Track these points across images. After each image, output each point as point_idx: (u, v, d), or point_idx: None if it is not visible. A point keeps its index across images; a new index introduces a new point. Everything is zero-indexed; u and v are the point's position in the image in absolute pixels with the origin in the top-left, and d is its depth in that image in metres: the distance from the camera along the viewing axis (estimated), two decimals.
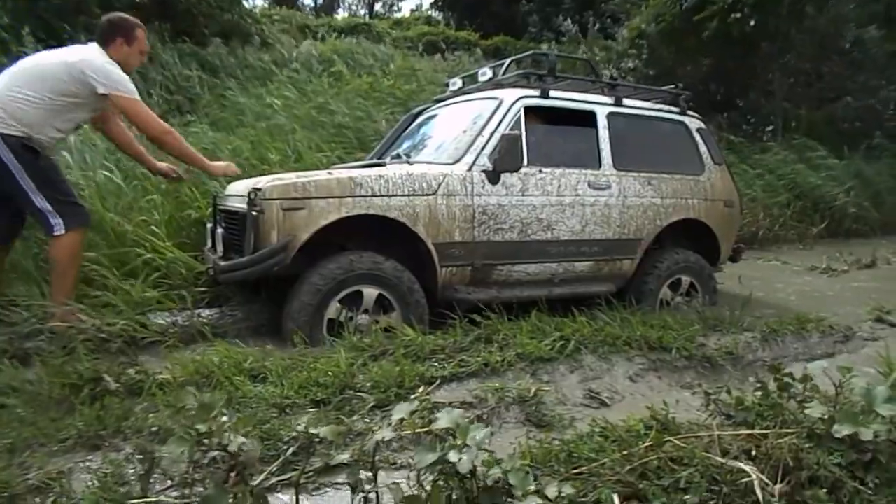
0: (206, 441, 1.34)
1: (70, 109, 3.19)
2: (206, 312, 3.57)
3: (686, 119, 4.70)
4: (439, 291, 3.70)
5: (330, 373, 2.45)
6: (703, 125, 4.81)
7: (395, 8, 30.32)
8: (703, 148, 4.71)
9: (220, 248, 3.61)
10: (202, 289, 3.83)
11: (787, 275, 6.10)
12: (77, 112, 3.25)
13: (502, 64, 4.47)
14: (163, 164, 3.85)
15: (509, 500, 1.41)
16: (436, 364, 2.69)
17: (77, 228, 3.18)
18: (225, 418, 1.45)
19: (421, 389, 2.46)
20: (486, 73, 4.46)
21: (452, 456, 1.43)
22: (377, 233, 3.61)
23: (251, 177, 4.02)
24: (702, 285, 4.58)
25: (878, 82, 11.30)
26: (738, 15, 9.36)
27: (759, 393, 2.34)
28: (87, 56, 3.19)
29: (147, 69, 7.40)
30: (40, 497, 1.65)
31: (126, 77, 3.26)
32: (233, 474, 1.47)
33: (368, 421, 2.21)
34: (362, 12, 27.66)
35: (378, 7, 29.67)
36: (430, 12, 22.60)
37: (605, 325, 3.29)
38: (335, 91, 9.17)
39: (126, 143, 3.73)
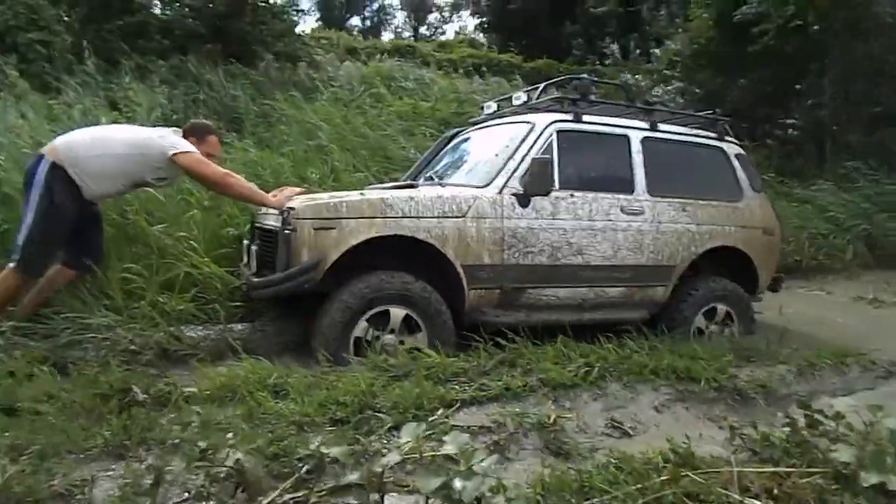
0: (209, 457, 1.38)
1: (141, 168, 3.53)
2: (238, 327, 3.66)
3: (724, 145, 4.63)
4: (466, 313, 3.71)
5: (350, 392, 2.48)
6: (741, 151, 4.72)
7: (440, 31, 30.77)
8: (741, 174, 4.62)
9: (253, 264, 3.71)
10: (237, 304, 3.93)
11: (831, 306, 5.89)
12: (147, 173, 3.58)
13: (537, 87, 4.50)
14: (276, 195, 3.69)
15: None
16: (457, 387, 2.70)
17: (22, 274, 3.31)
18: (230, 435, 1.49)
19: (440, 412, 2.48)
20: (520, 97, 4.49)
21: (457, 483, 1.43)
22: (407, 253, 3.65)
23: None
24: (738, 315, 4.46)
25: None
26: (801, 22, 9.12)
27: (788, 429, 2.27)
28: (164, 133, 3.68)
29: (195, 89, 7.70)
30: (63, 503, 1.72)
31: (186, 143, 3.58)
32: (240, 490, 1.50)
33: (385, 441, 2.23)
34: (407, 34, 28.16)
35: (423, 30, 30.17)
36: (473, 35, 22.87)
37: (632, 353, 3.24)
38: (377, 112, 9.37)
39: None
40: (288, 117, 7.60)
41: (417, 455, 1.60)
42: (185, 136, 3.62)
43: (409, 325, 3.51)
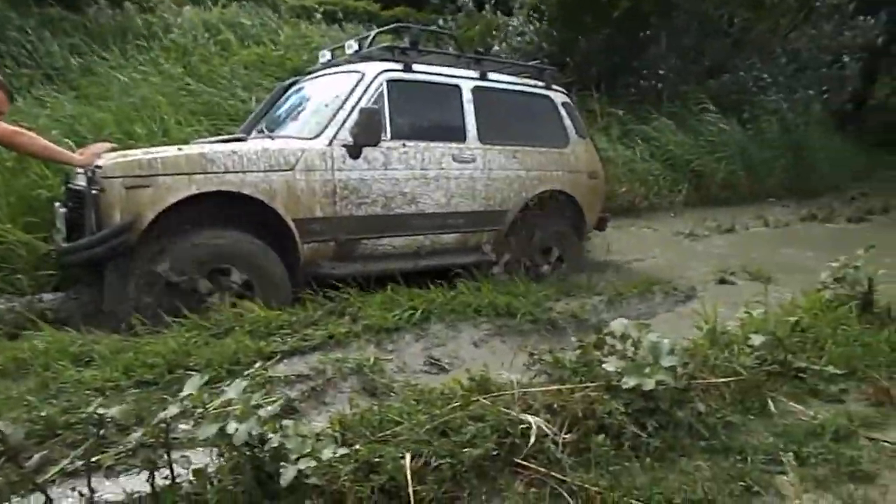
0: None
1: None
2: (48, 297, 3.41)
3: (551, 93, 4.86)
4: (302, 267, 3.70)
5: (160, 353, 2.42)
6: (567, 99, 4.99)
7: None
8: (567, 121, 4.89)
9: (63, 228, 3.44)
10: (50, 272, 3.65)
11: (654, 241, 6.48)
12: None
13: (368, 36, 4.45)
14: (83, 153, 3.42)
15: (285, 464, 1.47)
16: (278, 339, 2.71)
17: None
18: None
19: (258, 364, 2.48)
20: (352, 46, 4.42)
21: (229, 427, 1.47)
22: (236, 209, 3.54)
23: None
24: (568, 254, 4.81)
25: (753, 61, 12.05)
26: None
27: (579, 350, 2.52)
28: None
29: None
30: None
31: None
32: (4, 460, 1.45)
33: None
34: None
35: None
36: None
37: (457, 295, 3.40)
38: (221, 61, 8.84)
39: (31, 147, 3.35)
40: (114, 69, 6.96)
41: (201, 407, 1.60)
42: None
43: (244, 284, 3.44)
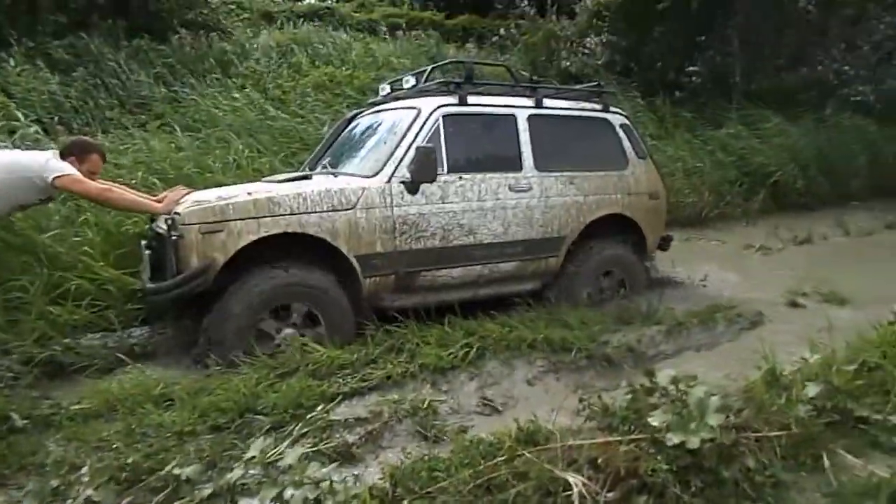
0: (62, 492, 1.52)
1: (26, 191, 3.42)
2: (136, 332, 3.72)
3: (608, 115, 4.84)
4: (364, 300, 3.86)
5: (232, 397, 2.62)
6: (626, 120, 4.95)
7: None
8: (626, 143, 4.85)
9: (147, 268, 3.75)
10: (138, 306, 3.97)
11: (723, 256, 6.29)
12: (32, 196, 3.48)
13: (424, 71, 4.58)
14: (163, 199, 3.69)
15: None
16: (340, 380, 2.87)
17: None
18: (84, 468, 1.62)
19: (319, 408, 2.65)
20: (409, 81, 4.56)
21: (288, 492, 1.62)
22: (301, 245, 3.74)
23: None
24: (628, 277, 4.76)
25: (833, 52, 11.39)
26: None
27: (629, 397, 2.54)
28: (48, 157, 3.48)
29: (95, 73, 7.42)
30: None
31: (65, 165, 3.45)
32: None
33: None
34: None
35: None
36: None
37: (513, 328, 3.47)
38: (293, 84, 9.24)
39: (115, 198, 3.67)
40: (197, 102, 7.40)
41: (259, 466, 1.76)
42: (65, 155, 3.51)
43: (310, 318, 3.64)
